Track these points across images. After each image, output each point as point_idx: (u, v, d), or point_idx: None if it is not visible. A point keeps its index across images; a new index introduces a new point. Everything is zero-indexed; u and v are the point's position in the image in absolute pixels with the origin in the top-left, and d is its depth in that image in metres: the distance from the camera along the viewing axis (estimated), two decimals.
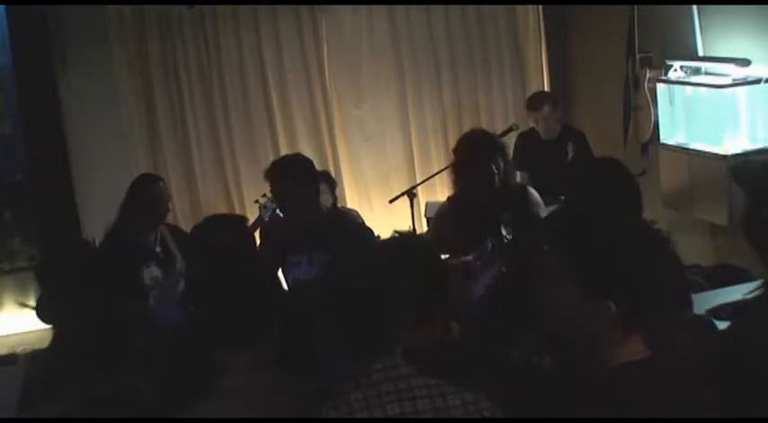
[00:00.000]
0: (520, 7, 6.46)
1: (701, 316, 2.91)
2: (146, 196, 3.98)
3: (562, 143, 5.20)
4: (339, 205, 5.18)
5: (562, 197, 3.86)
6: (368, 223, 4.96)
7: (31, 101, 5.70)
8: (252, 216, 5.11)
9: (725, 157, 4.45)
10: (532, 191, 3.74)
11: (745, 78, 4.46)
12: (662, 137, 5.00)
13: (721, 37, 4.75)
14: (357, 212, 5.04)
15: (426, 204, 5.71)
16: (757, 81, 4.40)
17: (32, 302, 2.91)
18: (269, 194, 4.67)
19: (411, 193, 5.36)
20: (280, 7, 6.13)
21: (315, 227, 3.48)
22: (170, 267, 3.91)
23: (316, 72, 6.26)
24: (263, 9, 6.11)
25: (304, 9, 6.18)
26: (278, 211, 4.08)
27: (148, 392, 2.55)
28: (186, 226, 5.02)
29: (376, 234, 4.01)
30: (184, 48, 6.04)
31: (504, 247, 3.43)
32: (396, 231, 1.93)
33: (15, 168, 5.90)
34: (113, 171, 5.70)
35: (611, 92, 5.65)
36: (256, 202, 4.75)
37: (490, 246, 3.49)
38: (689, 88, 4.77)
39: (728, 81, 4.51)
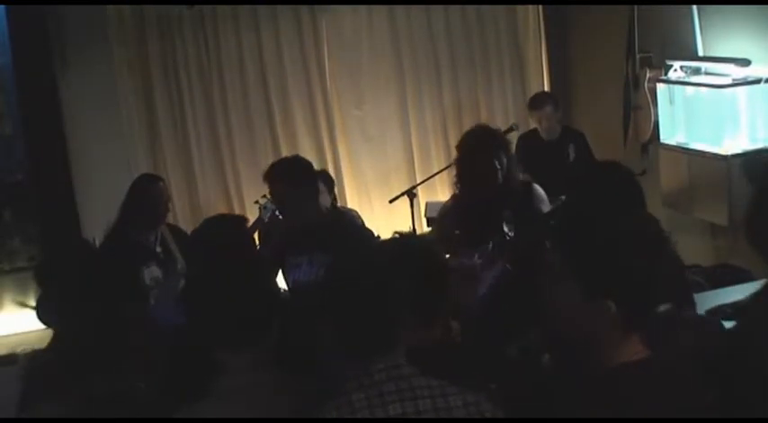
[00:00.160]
0: (520, 7, 6.46)
1: (709, 316, 2.91)
2: (146, 196, 3.98)
3: (563, 144, 5.21)
4: (339, 205, 5.19)
5: (562, 197, 3.86)
6: (368, 223, 4.97)
7: (31, 101, 5.70)
8: (252, 216, 5.11)
9: (725, 157, 4.45)
10: (537, 187, 3.72)
11: (745, 78, 4.46)
12: (662, 137, 5.00)
13: (721, 37, 4.75)
14: (357, 212, 5.04)
15: (426, 204, 5.72)
16: (757, 81, 4.40)
17: (32, 302, 2.91)
18: (269, 195, 4.67)
19: (411, 193, 5.37)
20: (280, 7, 6.13)
21: (315, 228, 3.47)
22: (170, 267, 3.91)
23: (316, 72, 6.26)
24: (263, 9, 6.11)
25: (304, 9, 6.18)
26: (277, 212, 4.08)
27: (148, 392, 2.55)
28: (186, 226, 5.03)
29: (376, 234, 4.02)
30: (184, 48, 6.05)
31: (507, 244, 3.42)
32: (396, 232, 1.93)
33: (15, 168, 5.90)
34: (113, 171, 5.70)
35: (611, 92, 5.65)
36: (256, 202, 4.75)
37: (492, 243, 3.48)
38: (689, 88, 4.78)
39: (728, 81, 4.51)
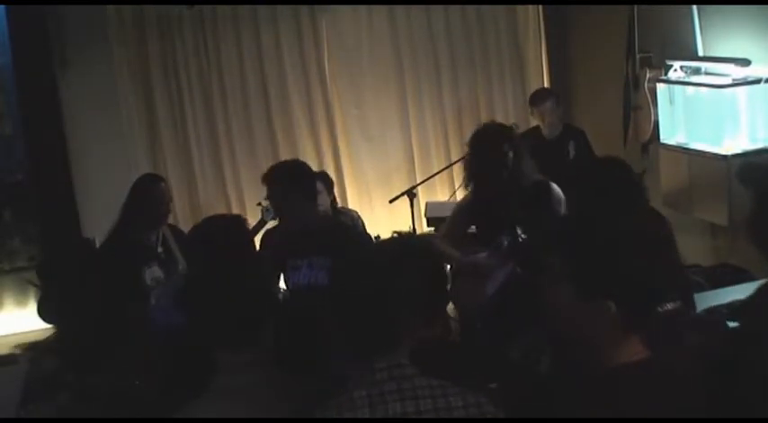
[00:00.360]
0: (520, 7, 6.46)
1: (713, 315, 2.91)
2: (147, 196, 3.97)
3: (563, 142, 5.20)
4: (340, 205, 5.19)
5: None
6: (368, 223, 4.97)
7: (31, 101, 5.70)
8: (251, 216, 5.11)
9: (725, 157, 4.45)
10: (555, 188, 3.70)
11: (745, 78, 4.46)
12: (662, 137, 5.00)
13: (721, 37, 4.75)
14: (357, 213, 5.04)
15: (426, 204, 5.72)
16: (757, 81, 4.40)
17: (29, 291, 2.91)
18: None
19: (411, 194, 5.38)
20: (280, 8, 6.13)
21: (314, 232, 3.47)
22: (172, 267, 3.91)
23: (316, 72, 6.26)
24: (262, 9, 6.11)
25: (304, 9, 6.18)
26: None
27: (146, 390, 2.55)
28: (186, 226, 5.03)
29: (375, 236, 4.02)
30: (184, 48, 6.04)
31: (519, 245, 3.40)
32: (395, 232, 1.93)
33: (15, 168, 5.90)
34: (113, 171, 5.70)
35: (611, 92, 5.65)
36: (259, 204, 4.75)
37: (505, 243, 3.46)
38: (689, 88, 4.77)
39: (728, 81, 4.50)
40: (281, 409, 1.89)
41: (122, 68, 5.96)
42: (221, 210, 6.02)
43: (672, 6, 5.06)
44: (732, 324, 2.60)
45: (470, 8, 6.38)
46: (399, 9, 6.31)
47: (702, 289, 3.69)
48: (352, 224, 4.59)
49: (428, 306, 1.77)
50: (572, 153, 5.18)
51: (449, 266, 3.90)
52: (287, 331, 2.14)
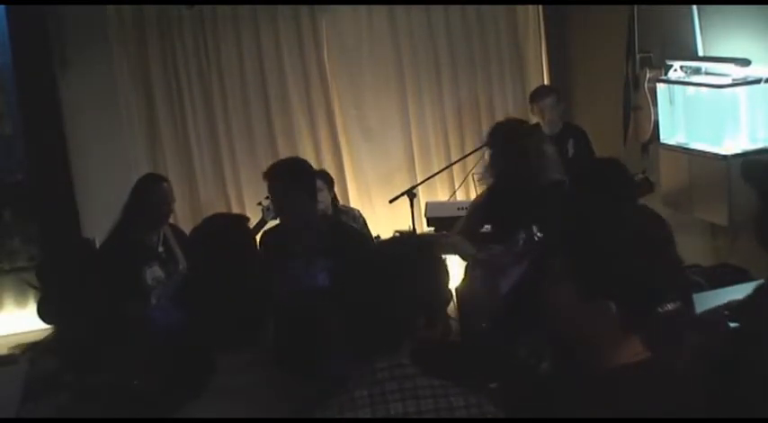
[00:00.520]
0: (520, 7, 6.46)
1: (715, 315, 2.91)
2: (149, 196, 3.97)
3: (563, 140, 5.20)
4: (341, 204, 5.19)
5: None
6: (369, 223, 4.96)
7: (31, 101, 5.70)
8: (251, 216, 5.11)
9: (725, 157, 4.45)
10: None
11: (745, 78, 4.46)
12: (662, 137, 5.00)
13: (721, 37, 4.75)
14: (359, 211, 5.04)
15: (426, 204, 5.72)
16: (757, 81, 4.40)
17: (35, 283, 2.91)
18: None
19: (411, 194, 5.37)
20: (280, 8, 6.13)
21: (314, 231, 3.47)
22: (172, 267, 3.92)
23: (316, 72, 6.26)
24: (262, 9, 6.11)
25: (304, 9, 6.18)
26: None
27: (145, 390, 2.55)
28: (185, 226, 5.03)
29: (375, 236, 4.01)
30: (184, 48, 6.05)
31: (534, 244, 3.38)
32: (397, 231, 1.94)
33: (15, 168, 5.90)
34: (113, 171, 5.70)
35: (611, 92, 5.65)
36: (259, 204, 4.75)
37: (521, 241, 3.44)
38: (689, 88, 4.77)
39: (728, 81, 4.50)
40: (281, 409, 1.89)
41: (122, 68, 5.96)
42: (221, 209, 6.02)
43: (672, 6, 5.05)
44: (732, 324, 2.59)
45: (470, 8, 6.38)
46: (399, 9, 6.31)
47: (702, 289, 3.68)
48: (353, 223, 4.59)
49: (429, 306, 1.77)
50: (571, 152, 5.18)
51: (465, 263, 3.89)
52: (287, 331, 2.14)
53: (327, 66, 6.27)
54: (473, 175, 5.86)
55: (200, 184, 6.19)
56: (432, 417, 1.65)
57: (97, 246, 4.19)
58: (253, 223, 4.60)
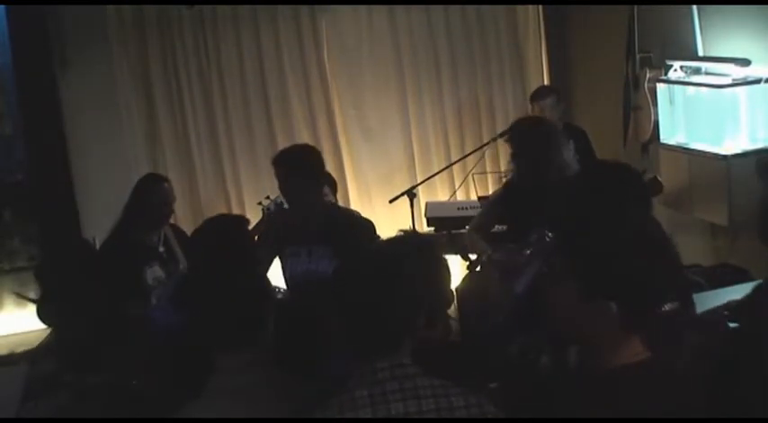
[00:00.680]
0: (520, 7, 6.46)
1: (715, 315, 2.90)
2: (150, 196, 3.98)
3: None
4: (341, 205, 5.18)
5: None
6: (366, 217, 4.96)
7: (31, 101, 5.70)
8: (251, 215, 5.10)
9: (725, 157, 4.45)
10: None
11: (745, 78, 4.46)
12: (662, 137, 5.00)
13: (721, 37, 4.75)
14: (358, 213, 5.03)
15: (426, 204, 5.72)
16: (757, 81, 4.40)
17: (31, 295, 2.90)
18: (272, 196, 4.67)
19: (411, 194, 5.37)
20: (279, 8, 6.13)
21: (316, 219, 3.47)
22: (173, 267, 3.92)
23: (316, 72, 6.26)
24: (262, 9, 6.11)
25: (304, 9, 6.18)
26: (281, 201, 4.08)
27: (144, 390, 2.55)
28: (186, 225, 5.03)
29: (376, 226, 3.99)
30: (184, 48, 6.05)
31: (546, 244, 3.36)
32: (401, 230, 1.93)
33: (15, 168, 5.90)
34: (113, 171, 5.71)
35: (611, 92, 5.65)
36: (259, 203, 4.74)
37: (534, 241, 3.43)
38: (689, 88, 4.77)
39: (728, 81, 4.50)
40: (281, 409, 1.89)
41: (122, 68, 5.97)
42: (222, 209, 6.02)
43: (672, 6, 5.05)
44: (732, 324, 2.59)
45: (470, 8, 6.38)
46: (399, 9, 6.31)
47: (702, 289, 3.68)
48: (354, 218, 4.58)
49: (430, 306, 1.77)
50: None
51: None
52: (287, 331, 2.14)
53: (327, 66, 6.28)
54: (473, 175, 5.86)
55: (201, 184, 6.20)
56: (433, 417, 1.65)
57: (97, 246, 4.19)
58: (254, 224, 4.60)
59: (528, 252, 3.42)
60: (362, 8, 6.28)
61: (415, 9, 6.32)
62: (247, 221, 3.28)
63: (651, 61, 5.25)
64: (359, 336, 1.75)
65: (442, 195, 6.29)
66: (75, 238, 5.37)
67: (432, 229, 5.34)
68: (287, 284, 3.60)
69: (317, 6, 6.18)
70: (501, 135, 5.73)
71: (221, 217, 3.37)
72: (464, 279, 5.06)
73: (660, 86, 5.00)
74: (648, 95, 5.16)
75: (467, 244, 3.89)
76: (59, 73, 5.70)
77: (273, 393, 1.94)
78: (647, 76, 5.18)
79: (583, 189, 2.94)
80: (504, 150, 6.33)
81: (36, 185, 5.80)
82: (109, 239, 3.96)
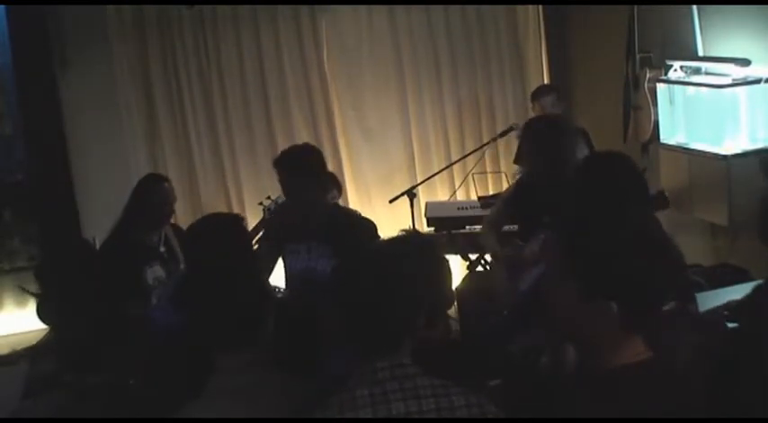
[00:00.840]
0: (520, 7, 6.46)
1: (713, 315, 2.90)
2: (150, 196, 3.98)
3: None
4: (342, 206, 5.18)
5: None
6: (365, 217, 4.96)
7: (31, 101, 5.70)
8: (251, 215, 5.12)
9: (725, 157, 4.45)
10: None
11: (745, 78, 4.45)
12: (662, 137, 4.99)
13: (721, 37, 4.75)
14: (359, 213, 5.03)
15: (426, 204, 5.72)
16: (757, 81, 4.39)
17: (32, 289, 2.90)
18: (272, 196, 4.68)
19: (411, 194, 5.37)
20: (279, 7, 6.14)
21: (316, 217, 3.48)
22: (173, 267, 3.92)
23: (315, 72, 6.27)
24: (262, 9, 6.11)
25: (304, 9, 6.18)
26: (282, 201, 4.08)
27: (143, 390, 2.55)
28: (186, 225, 5.03)
29: (379, 231, 3.99)
30: (184, 48, 6.05)
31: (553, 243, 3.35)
32: (402, 230, 1.93)
33: (15, 168, 5.90)
34: (113, 171, 5.71)
35: (611, 92, 5.65)
36: (260, 204, 4.75)
37: (542, 240, 3.43)
38: (689, 88, 4.77)
39: (728, 81, 4.50)
40: (281, 409, 1.89)
41: (122, 68, 5.97)
42: (222, 209, 6.02)
43: (672, 6, 5.05)
44: (732, 324, 2.59)
45: (470, 8, 6.38)
46: (399, 9, 6.31)
47: (702, 289, 3.68)
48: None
49: (431, 306, 1.77)
50: None
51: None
52: (287, 331, 2.14)
53: (327, 65, 6.28)
54: (473, 175, 5.86)
55: (201, 184, 6.20)
56: (433, 416, 1.65)
57: (97, 246, 4.19)
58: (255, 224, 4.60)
59: (534, 252, 3.42)
60: (362, 8, 6.28)
61: (415, 9, 6.32)
62: (242, 220, 3.27)
63: (651, 61, 5.25)
64: (359, 335, 1.75)
65: (442, 195, 6.29)
66: (75, 238, 5.37)
67: (432, 229, 5.33)
68: (286, 282, 3.60)
69: (316, 6, 6.18)
70: (501, 135, 5.77)
71: (216, 215, 3.36)
72: (464, 279, 5.07)
73: (660, 86, 5.00)
74: (648, 95, 5.15)
75: (481, 241, 3.89)
76: (59, 73, 5.70)
77: (273, 393, 1.94)
78: (647, 76, 5.18)
79: (579, 183, 2.94)
80: (504, 150, 6.35)
81: (36, 185, 5.80)
82: (109, 239, 3.96)
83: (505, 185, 5.82)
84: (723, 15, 4.70)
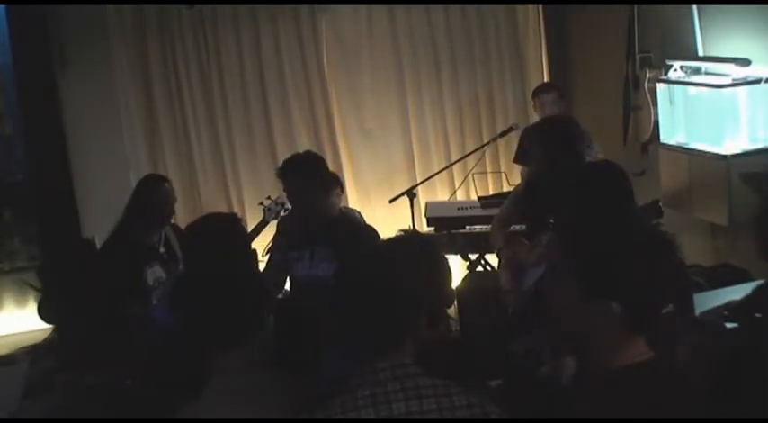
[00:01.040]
0: (520, 7, 6.46)
1: (711, 316, 2.90)
2: (151, 197, 3.98)
3: None
4: (341, 205, 5.18)
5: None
6: (369, 224, 4.96)
7: (31, 101, 5.70)
8: (251, 216, 5.11)
9: (725, 157, 4.45)
10: None
11: (745, 78, 4.45)
12: (662, 137, 4.99)
13: (721, 37, 4.75)
14: (359, 213, 5.04)
15: (426, 204, 5.72)
16: (757, 81, 4.39)
17: (35, 283, 2.91)
18: (272, 196, 4.68)
19: (411, 194, 5.37)
20: (279, 7, 6.13)
21: (317, 219, 3.50)
22: (174, 267, 3.92)
23: (315, 72, 6.26)
24: (262, 9, 6.11)
25: (304, 9, 6.18)
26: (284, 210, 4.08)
27: (141, 390, 2.55)
28: (186, 226, 5.03)
29: (376, 226, 4.00)
30: (184, 48, 6.05)
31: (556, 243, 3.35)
32: (401, 230, 1.93)
33: (15, 168, 5.90)
34: (113, 171, 5.71)
35: (611, 92, 5.65)
36: (260, 204, 4.75)
37: (545, 241, 3.43)
38: (689, 88, 4.77)
39: (728, 81, 4.50)
40: (281, 409, 1.89)
41: (122, 68, 5.97)
42: (222, 209, 6.02)
43: (672, 6, 5.05)
44: (732, 324, 2.60)
45: (470, 8, 6.38)
46: (399, 9, 6.31)
47: (702, 289, 3.68)
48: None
49: (431, 305, 1.77)
50: None
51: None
52: (287, 331, 2.14)
53: (327, 65, 6.27)
54: (473, 175, 5.86)
55: (201, 184, 6.20)
56: (435, 416, 1.64)
57: (97, 246, 4.20)
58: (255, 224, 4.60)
59: (540, 251, 3.42)
60: (362, 8, 6.28)
61: (415, 9, 6.32)
62: (241, 220, 3.28)
63: (651, 61, 5.24)
64: (360, 336, 1.75)
65: (442, 195, 6.29)
66: (76, 238, 5.37)
67: (432, 229, 5.33)
68: (291, 287, 3.63)
69: (316, 6, 6.18)
70: (501, 135, 5.77)
71: (215, 215, 3.36)
72: (464, 279, 5.07)
73: (660, 86, 5.00)
74: (648, 95, 5.15)
75: (490, 239, 3.91)
76: (59, 73, 5.70)
77: (273, 394, 1.94)
78: (647, 76, 5.18)
79: (581, 186, 2.94)
80: (504, 150, 6.35)
81: (36, 185, 5.80)
82: (109, 240, 3.96)
83: (506, 185, 5.83)
84: (723, 15, 4.70)
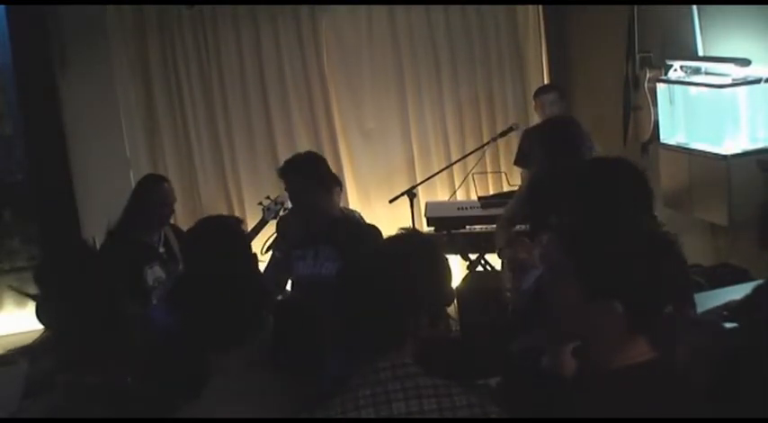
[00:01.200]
0: (520, 7, 6.46)
1: (710, 316, 2.90)
2: (150, 197, 3.98)
3: None
4: (342, 206, 5.19)
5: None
6: (371, 223, 4.96)
7: (31, 101, 5.70)
8: (251, 216, 5.12)
9: (725, 157, 4.45)
10: None
11: (745, 78, 4.45)
12: (662, 137, 5.00)
13: (721, 37, 4.75)
14: (359, 213, 5.04)
15: (426, 204, 5.73)
16: (757, 81, 4.39)
17: (30, 290, 2.90)
18: (272, 196, 4.68)
19: (411, 194, 5.38)
20: (279, 7, 6.13)
21: (319, 219, 3.50)
22: (173, 268, 3.92)
23: (315, 72, 6.26)
24: (262, 9, 6.11)
25: (304, 9, 6.18)
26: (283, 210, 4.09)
27: (141, 390, 2.55)
28: (186, 226, 5.03)
29: (376, 225, 4.01)
30: (184, 47, 6.05)
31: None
32: (402, 228, 1.93)
33: (15, 168, 5.90)
34: (113, 171, 5.71)
35: (611, 92, 5.65)
36: (260, 204, 4.75)
37: (545, 241, 3.43)
38: (689, 88, 4.77)
39: (728, 81, 4.50)
40: (281, 410, 1.89)
41: (122, 68, 5.97)
42: (222, 210, 6.03)
43: (672, 6, 5.05)
44: (732, 324, 2.59)
45: (470, 8, 6.38)
46: (399, 9, 6.31)
47: (702, 289, 3.68)
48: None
49: (432, 305, 1.77)
50: None
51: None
52: (287, 331, 2.14)
53: (327, 65, 6.27)
54: (473, 175, 5.86)
55: (201, 184, 6.20)
56: (435, 416, 1.64)
57: (97, 246, 4.19)
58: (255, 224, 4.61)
59: (539, 250, 3.42)
60: (362, 8, 6.28)
61: (415, 9, 6.32)
62: (241, 222, 3.29)
63: (651, 61, 5.25)
64: (360, 335, 1.75)
65: (442, 195, 6.29)
66: (76, 238, 5.37)
67: (432, 228, 5.34)
68: (292, 287, 3.63)
69: (316, 6, 6.18)
70: (501, 135, 5.77)
71: (216, 217, 3.37)
72: (464, 279, 5.07)
73: (660, 86, 5.00)
74: (648, 95, 5.16)
75: (494, 238, 3.92)
76: (59, 73, 5.70)
77: (273, 394, 1.94)
78: (647, 76, 5.18)
79: (582, 185, 2.93)
80: (504, 150, 6.35)
81: (36, 185, 5.80)
82: (108, 240, 3.96)
83: (506, 185, 5.83)
84: (723, 15, 4.70)
